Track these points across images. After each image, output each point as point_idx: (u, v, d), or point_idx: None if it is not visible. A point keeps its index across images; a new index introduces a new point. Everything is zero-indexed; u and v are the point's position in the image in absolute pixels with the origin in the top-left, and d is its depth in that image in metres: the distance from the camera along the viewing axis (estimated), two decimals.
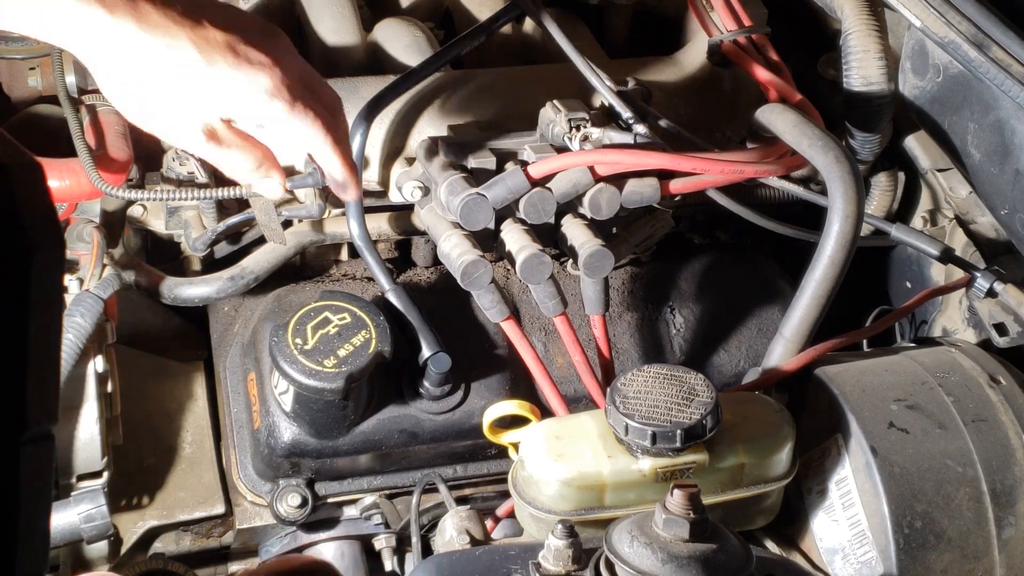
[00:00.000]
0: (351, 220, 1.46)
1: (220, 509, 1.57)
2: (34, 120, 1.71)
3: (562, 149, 1.46)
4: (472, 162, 1.46)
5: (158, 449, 1.59)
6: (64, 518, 1.36)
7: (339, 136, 1.22)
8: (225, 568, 1.62)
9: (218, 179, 1.57)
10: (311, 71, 1.21)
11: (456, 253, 1.40)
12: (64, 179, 1.48)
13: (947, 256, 1.55)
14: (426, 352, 1.41)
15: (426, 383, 1.43)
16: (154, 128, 1.16)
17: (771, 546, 1.33)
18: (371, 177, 1.53)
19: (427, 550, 1.45)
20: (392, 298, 1.44)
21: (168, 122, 1.14)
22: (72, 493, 1.41)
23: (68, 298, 1.42)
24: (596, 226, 1.44)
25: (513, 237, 1.41)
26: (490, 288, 1.40)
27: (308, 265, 1.63)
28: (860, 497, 1.26)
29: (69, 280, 1.45)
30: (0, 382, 0.70)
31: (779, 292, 1.65)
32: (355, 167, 1.25)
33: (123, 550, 1.53)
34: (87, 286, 1.44)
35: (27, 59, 1.71)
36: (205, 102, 1.13)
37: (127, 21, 1.08)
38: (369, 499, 1.52)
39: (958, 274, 1.55)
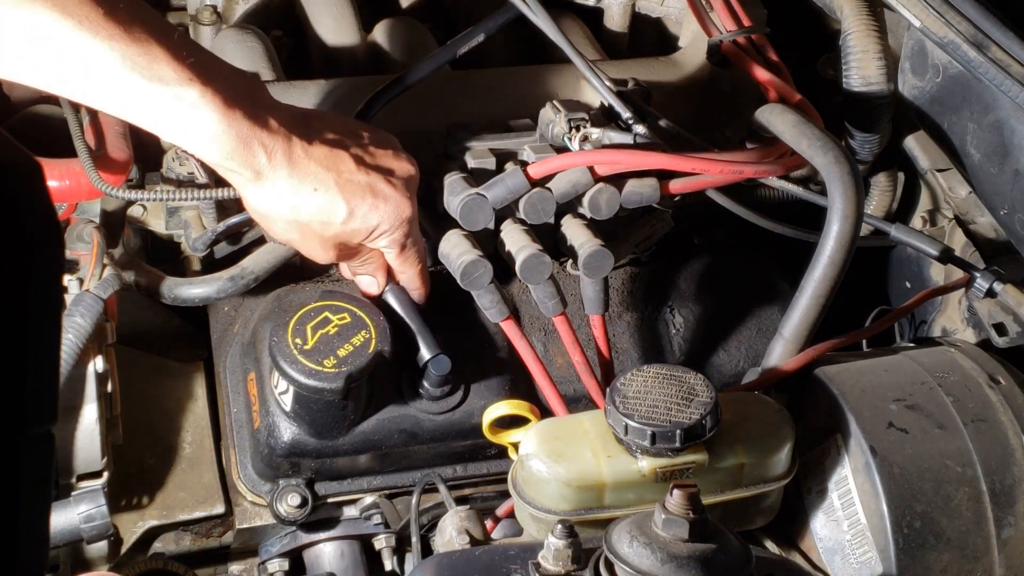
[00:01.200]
0: None
1: (220, 509, 1.57)
2: (34, 120, 1.70)
3: (562, 149, 1.46)
4: (472, 162, 1.46)
5: (158, 449, 1.59)
6: (64, 518, 1.36)
7: (425, 265, 1.42)
8: (225, 568, 1.62)
9: (218, 179, 1.58)
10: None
11: (456, 253, 1.40)
12: (64, 179, 1.48)
13: (946, 256, 1.55)
14: (426, 354, 1.41)
15: (426, 384, 1.43)
16: (293, 244, 1.33)
17: (771, 546, 1.33)
18: None
19: (427, 550, 1.45)
20: (390, 298, 1.44)
21: (307, 244, 1.31)
22: (72, 493, 1.41)
23: (68, 298, 1.42)
24: (596, 226, 1.44)
25: (513, 237, 1.41)
26: (490, 288, 1.40)
27: (308, 265, 1.63)
28: (859, 497, 1.26)
29: (69, 280, 1.45)
30: (0, 382, 0.70)
31: (779, 292, 1.65)
32: (428, 284, 1.44)
33: (123, 550, 1.53)
34: (87, 286, 1.44)
35: None
36: (341, 234, 1.29)
37: (283, 167, 1.22)
38: (369, 499, 1.52)
39: (958, 274, 1.55)
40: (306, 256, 1.34)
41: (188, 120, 1.16)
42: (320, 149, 1.25)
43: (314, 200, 1.25)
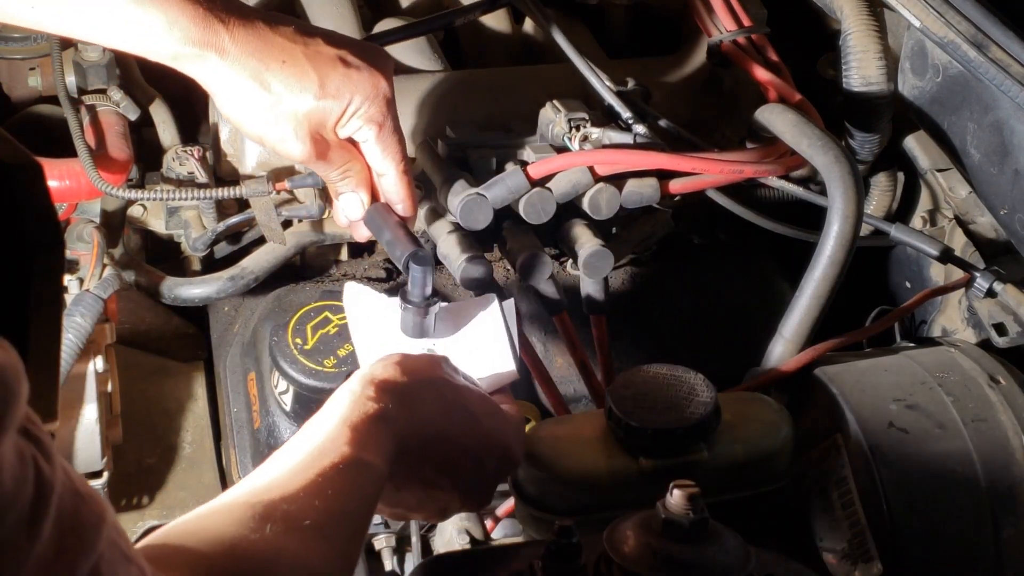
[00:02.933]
0: None
1: None
2: (34, 120, 1.71)
3: (562, 149, 1.46)
4: (472, 162, 1.46)
5: (158, 449, 1.60)
6: None
7: (408, 167, 1.29)
8: None
9: (218, 179, 1.58)
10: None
11: (456, 253, 1.40)
12: (64, 179, 1.48)
13: (946, 256, 1.55)
14: (404, 252, 1.23)
15: (410, 295, 1.21)
16: (266, 140, 1.22)
17: (771, 546, 1.33)
18: None
19: (427, 550, 1.45)
20: (374, 216, 1.29)
21: (281, 133, 1.20)
22: None
23: (68, 298, 1.42)
24: (596, 226, 1.44)
25: (513, 237, 1.41)
26: (490, 288, 1.40)
27: (308, 265, 1.63)
28: (859, 497, 1.26)
29: (69, 280, 1.46)
30: None
31: (779, 292, 1.65)
32: (414, 195, 1.31)
33: None
34: (87, 286, 1.44)
35: (27, 59, 1.71)
36: (314, 113, 1.20)
37: (247, 41, 1.16)
38: None
39: (958, 274, 1.55)
40: (282, 153, 1.23)
41: (139, 15, 1.11)
42: (284, 28, 1.20)
43: (283, 72, 1.18)
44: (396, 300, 1.21)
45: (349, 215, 1.30)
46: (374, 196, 1.29)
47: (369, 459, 0.98)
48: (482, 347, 1.21)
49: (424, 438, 1.05)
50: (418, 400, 1.06)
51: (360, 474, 0.97)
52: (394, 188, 1.28)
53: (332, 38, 1.23)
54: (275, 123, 1.20)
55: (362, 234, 1.32)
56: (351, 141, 1.25)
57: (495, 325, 1.23)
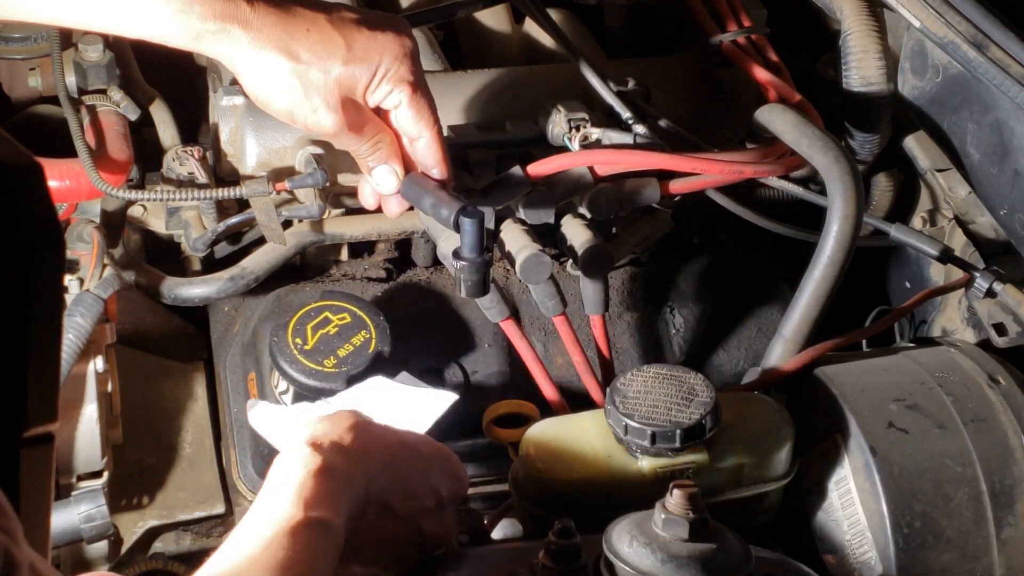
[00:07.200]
0: None
1: (220, 509, 1.57)
2: (34, 120, 1.71)
3: (562, 149, 1.46)
4: (472, 163, 1.46)
5: (158, 449, 1.60)
6: (64, 518, 1.36)
7: (440, 129, 1.27)
8: None
9: (218, 179, 1.58)
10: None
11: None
12: (64, 179, 1.48)
13: (946, 256, 1.55)
14: (451, 212, 1.22)
15: (464, 253, 1.23)
16: (296, 114, 1.20)
17: (771, 546, 1.33)
18: None
19: None
20: (412, 186, 1.28)
21: (311, 104, 1.18)
22: (72, 493, 1.41)
23: (68, 298, 1.42)
24: (596, 226, 1.44)
25: (513, 237, 1.41)
26: (490, 288, 1.40)
27: (308, 265, 1.63)
28: (859, 497, 1.26)
29: (69, 280, 1.46)
30: (0, 382, 0.70)
31: (779, 292, 1.65)
32: (448, 158, 1.29)
33: (123, 550, 1.53)
34: (87, 286, 1.44)
35: (27, 59, 1.71)
36: (344, 79, 1.19)
37: (270, 11, 1.14)
38: None
39: (957, 274, 1.55)
40: (313, 128, 1.21)
41: None
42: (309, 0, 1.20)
43: (308, 39, 1.17)
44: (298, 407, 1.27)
45: (383, 189, 1.28)
46: (406, 166, 1.28)
47: (322, 517, 0.95)
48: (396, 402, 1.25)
49: (379, 485, 1.04)
50: (363, 449, 1.03)
51: (314, 535, 0.95)
52: (429, 152, 1.26)
53: (350, 7, 1.23)
54: (305, 93, 1.18)
55: (393, 210, 1.30)
56: (377, 111, 1.24)
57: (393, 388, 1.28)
